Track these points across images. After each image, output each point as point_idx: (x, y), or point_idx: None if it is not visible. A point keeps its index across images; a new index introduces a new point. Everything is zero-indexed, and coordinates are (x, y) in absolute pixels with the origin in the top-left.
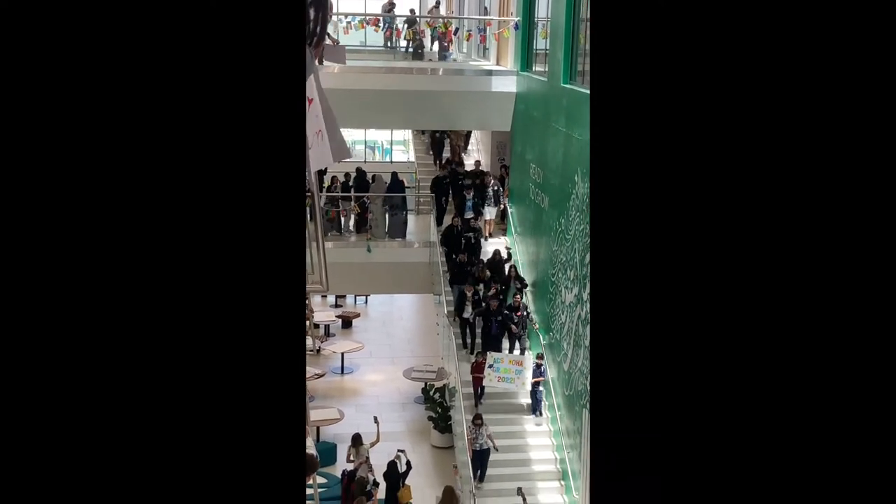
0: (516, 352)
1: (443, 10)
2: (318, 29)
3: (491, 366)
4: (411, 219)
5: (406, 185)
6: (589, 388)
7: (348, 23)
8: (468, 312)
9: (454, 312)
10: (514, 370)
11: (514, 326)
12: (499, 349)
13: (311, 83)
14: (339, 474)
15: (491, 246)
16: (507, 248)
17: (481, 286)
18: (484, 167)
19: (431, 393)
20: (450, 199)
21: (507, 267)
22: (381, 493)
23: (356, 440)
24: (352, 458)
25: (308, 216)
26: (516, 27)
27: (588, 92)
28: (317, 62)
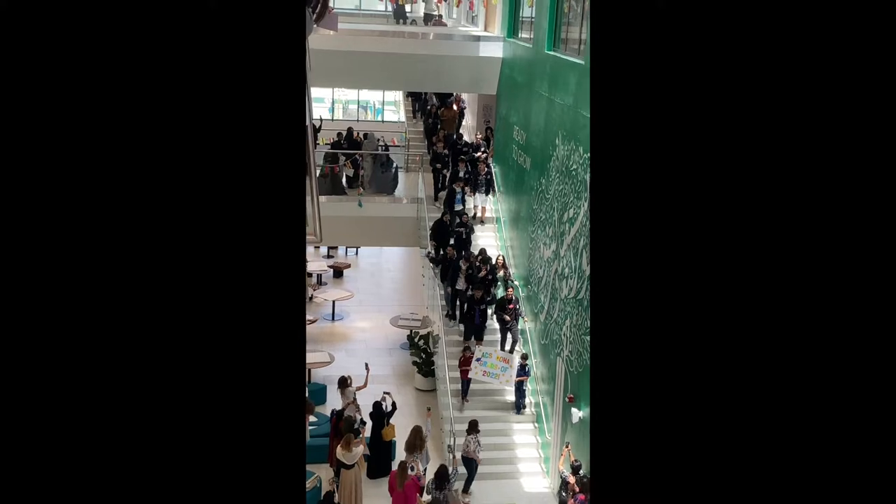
0: (507, 347)
1: None
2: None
3: (479, 359)
4: (400, 176)
5: (394, 144)
6: (569, 340)
7: None
8: (461, 284)
9: (443, 280)
10: (500, 366)
11: (506, 316)
12: (481, 339)
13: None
14: (328, 413)
15: (480, 241)
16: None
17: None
18: (469, 130)
19: (416, 340)
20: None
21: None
22: (367, 430)
23: (342, 383)
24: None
25: None
26: None
27: (570, 59)
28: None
